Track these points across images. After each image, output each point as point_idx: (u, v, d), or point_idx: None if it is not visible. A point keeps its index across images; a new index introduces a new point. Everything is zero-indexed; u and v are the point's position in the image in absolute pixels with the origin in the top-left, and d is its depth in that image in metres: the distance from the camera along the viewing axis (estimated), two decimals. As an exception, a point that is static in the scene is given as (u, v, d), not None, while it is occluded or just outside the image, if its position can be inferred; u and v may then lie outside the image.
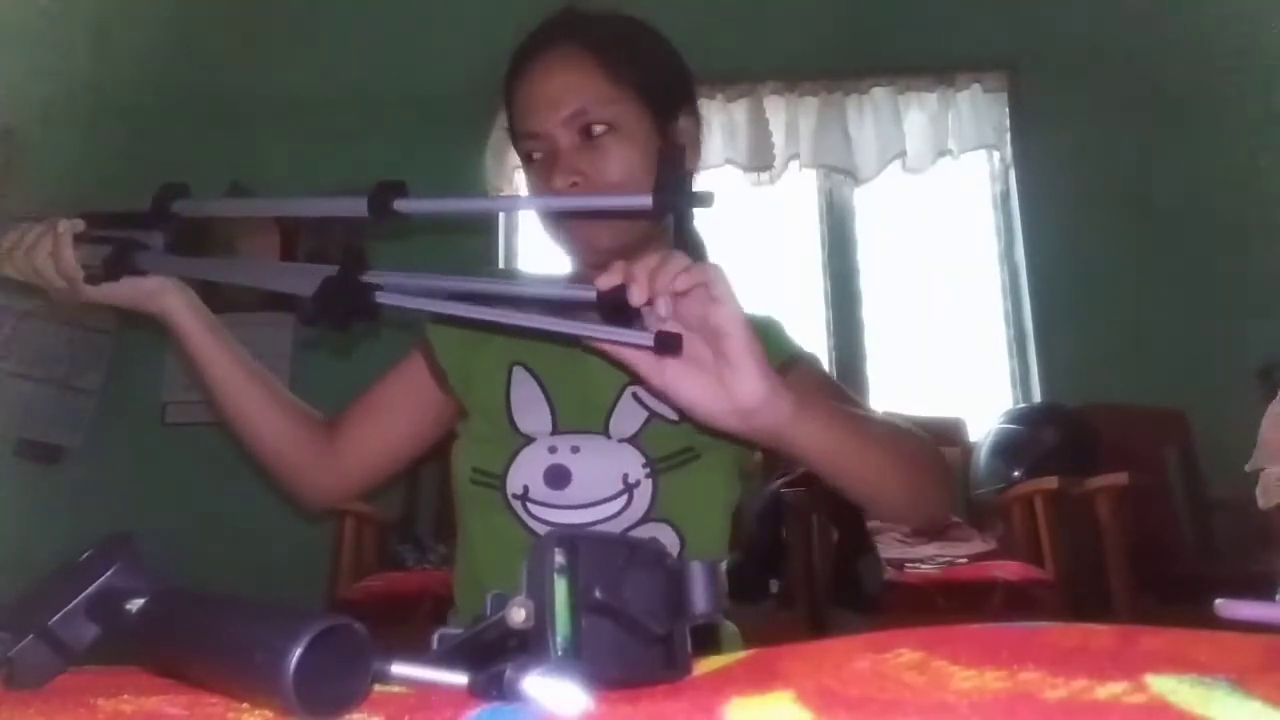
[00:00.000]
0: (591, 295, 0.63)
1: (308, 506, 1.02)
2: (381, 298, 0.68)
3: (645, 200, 0.62)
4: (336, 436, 0.97)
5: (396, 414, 0.99)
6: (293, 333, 3.03)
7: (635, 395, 0.91)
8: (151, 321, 0.89)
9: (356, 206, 0.73)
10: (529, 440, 0.91)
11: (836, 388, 0.96)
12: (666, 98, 0.93)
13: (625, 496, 0.88)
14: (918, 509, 0.85)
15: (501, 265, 3.16)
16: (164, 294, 0.87)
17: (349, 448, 0.97)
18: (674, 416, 0.91)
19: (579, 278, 1.01)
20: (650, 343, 0.60)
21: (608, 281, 0.63)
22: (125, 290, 0.85)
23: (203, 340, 0.89)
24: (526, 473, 0.89)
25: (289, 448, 0.94)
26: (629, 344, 0.64)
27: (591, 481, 0.88)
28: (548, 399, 0.93)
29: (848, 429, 0.74)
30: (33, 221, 0.84)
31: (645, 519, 0.88)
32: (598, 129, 0.88)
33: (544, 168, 0.89)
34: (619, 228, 0.89)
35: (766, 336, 0.97)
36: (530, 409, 0.92)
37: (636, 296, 0.61)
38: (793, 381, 0.87)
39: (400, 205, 0.72)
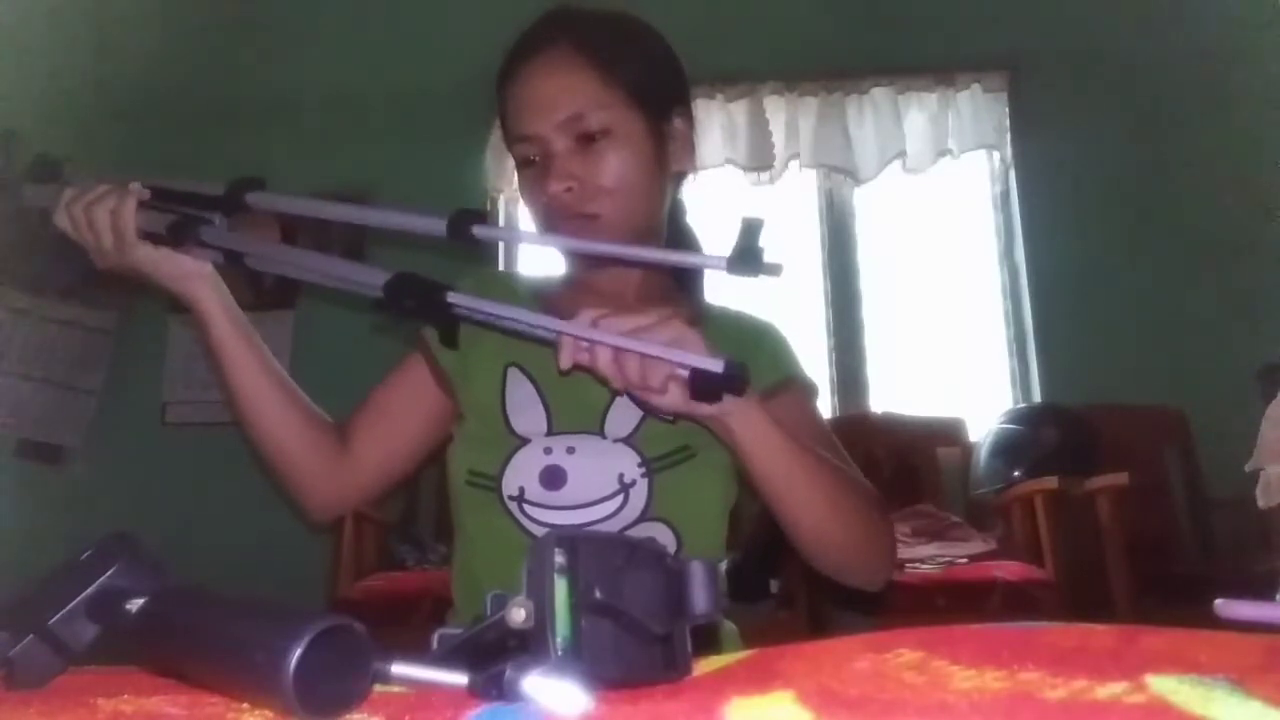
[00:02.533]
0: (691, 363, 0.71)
1: (316, 515, 1.00)
2: (453, 298, 0.72)
3: (720, 263, 0.68)
4: (346, 445, 0.96)
5: (403, 419, 0.98)
6: (292, 331, 3.03)
7: (630, 395, 0.91)
8: (180, 302, 0.88)
9: (435, 226, 0.76)
10: (524, 441, 0.91)
11: (817, 427, 0.96)
12: (660, 98, 0.93)
13: (621, 496, 0.88)
14: (852, 564, 0.89)
15: (501, 266, 3.16)
16: (199, 280, 0.87)
17: (359, 456, 0.96)
18: (669, 416, 0.91)
19: (573, 279, 1.01)
20: (719, 369, 0.69)
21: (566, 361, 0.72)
22: (166, 265, 0.85)
23: (228, 334, 0.89)
24: (522, 474, 0.89)
25: (303, 454, 0.93)
26: (698, 367, 0.71)
27: (587, 482, 0.88)
28: (543, 400, 0.92)
29: (799, 462, 0.80)
30: (99, 181, 0.86)
31: (642, 518, 0.88)
32: (594, 134, 0.88)
33: (539, 172, 0.89)
34: (607, 234, 0.89)
35: (760, 348, 0.98)
36: (525, 410, 0.92)
37: (565, 360, 0.72)
38: (775, 405, 0.89)
39: (479, 231, 0.75)
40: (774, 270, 0.67)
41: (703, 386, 0.70)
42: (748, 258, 0.66)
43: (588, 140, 0.88)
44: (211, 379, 0.92)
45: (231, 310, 0.89)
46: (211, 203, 0.85)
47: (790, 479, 0.80)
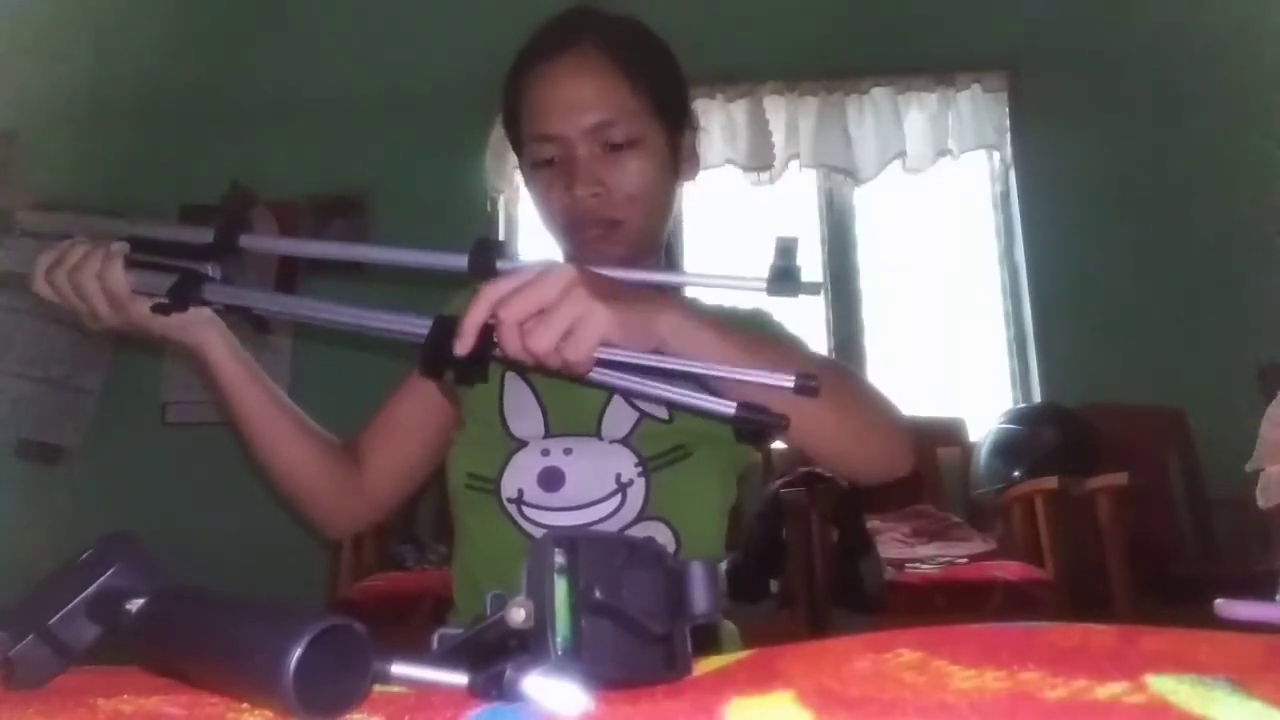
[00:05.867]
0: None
1: (334, 534, 1.02)
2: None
3: (760, 284, 0.66)
4: (360, 464, 0.97)
5: (414, 432, 0.99)
6: (291, 340, 3.02)
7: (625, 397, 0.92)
8: (182, 351, 0.86)
9: (456, 262, 0.73)
10: (522, 444, 0.91)
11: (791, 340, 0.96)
12: (676, 110, 0.94)
13: (619, 496, 0.88)
14: (854, 450, 0.82)
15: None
16: (200, 327, 0.85)
17: (374, 473, 0.97)
18: (664, 416, 0.91)
19: None
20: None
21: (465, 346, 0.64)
22: (164, 318, 0.81)
23: (235, 375, 0.88)
24: (520, 476, 0.89)
25: (318, 479, 0.94)
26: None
27: (585, 482, 0.88)
28: (539, 403, 0.93)
29: (744, 348, 0.70)
30: (73, 242, 0.80)
31: (640, 517, 0.88)
32: (621, 141, 0.87)
33: (560, 174, 0.89)
34: (627, 241, 0.90)
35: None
36: (523, 413, 0.93)
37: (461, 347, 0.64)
38: None
39: (503, 265, 0.72)
40: (813, 289, 0.66)
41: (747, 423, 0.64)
42: (786, 278, 0.65)
43: (614, 147, 0.88)
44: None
45: (236, 351, 0.88)
46: (201, 250, 0.79)
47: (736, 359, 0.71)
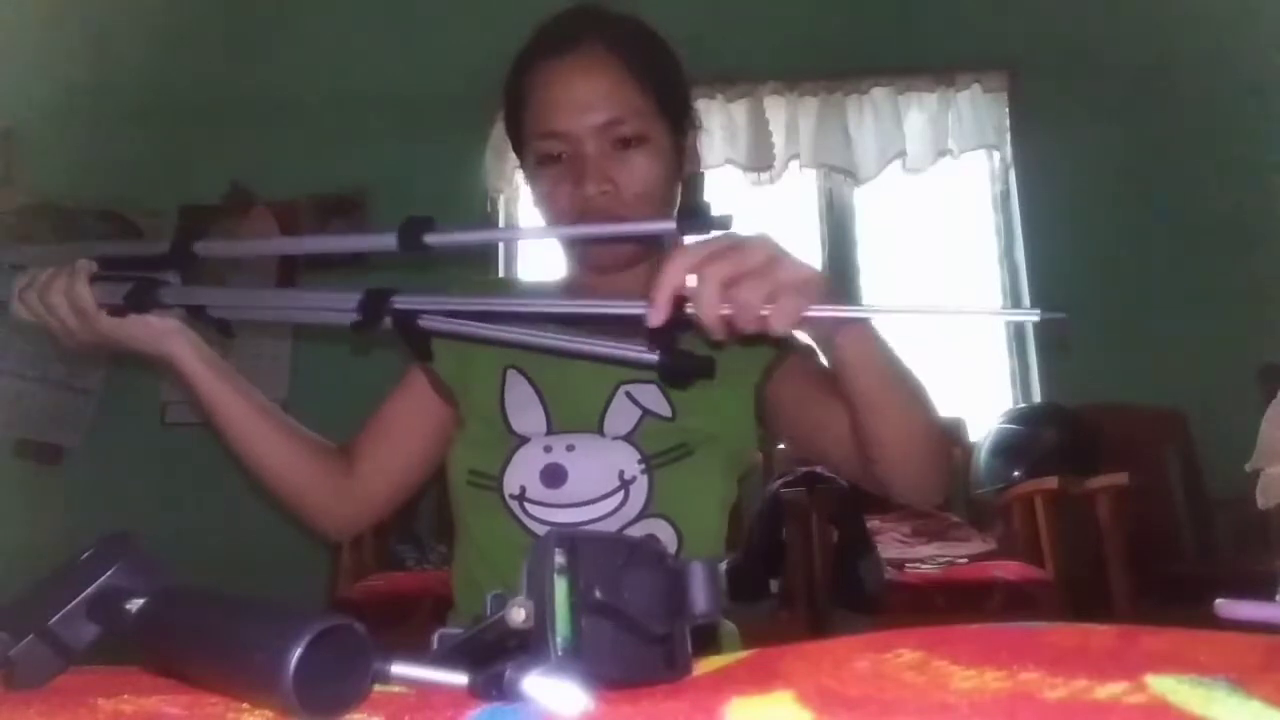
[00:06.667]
0: (640, 311, 0.64)
1: (331, 537, 1.02)
2: (399, 302, 0.72)
3: (669, 226, 0.67)
4: (353, 465, 0.97)
5: (409, 433, 0.99)
6: (291, 345, 3.02)
7: (628, 394, 0.92)
8: (157, 363, 0.87)
9: (386, 241, 0.75)
10: (524, 440, 0.91)
11: (829, 378, 0.96)
12: (680, 109, 0.94)
13: (622, 493, 0.88)
14: (925, 470, 0.84)
15: (501, 273, 3.16)
16: (171, 337, 0.86)
17: (368, 475, 0.97)
18: (667, 414, 0.91)
19: (574, 284, 1.01)
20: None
21: (659, 316, 0.63)
22: (134, 330, 0.84)
23: (210, 383, 0.88)
24: (523, 473, 0.90)
25: (307, 483, 0.94)
26: (636, 362, 0.68)
27: (588, 479, 0.89)
28: (541, 400, 0.93)
29: (892, 355, 0.77)
30: (44, 266, 0.84)
31: (642, 515, 0.88)
32: (629, 139, 0.88)
33: (568, 171, 0.88)
34: (640, 238, 0.90)
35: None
36: (525, 410, 0.93)
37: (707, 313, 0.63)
38: (785, 372, 0.91)
39: (430, 239, 0.74)
40: (724, 223, 0.66)
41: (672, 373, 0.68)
42: (696, 215, 0.65)
43: (622, 144, 0.88)
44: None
45: (210, 359, 0.89)
46: (161, 260, 0.83)
47: (885, 392, 0.78)
